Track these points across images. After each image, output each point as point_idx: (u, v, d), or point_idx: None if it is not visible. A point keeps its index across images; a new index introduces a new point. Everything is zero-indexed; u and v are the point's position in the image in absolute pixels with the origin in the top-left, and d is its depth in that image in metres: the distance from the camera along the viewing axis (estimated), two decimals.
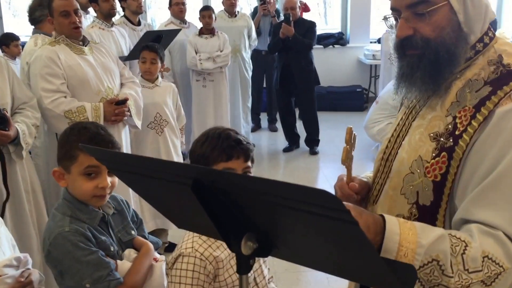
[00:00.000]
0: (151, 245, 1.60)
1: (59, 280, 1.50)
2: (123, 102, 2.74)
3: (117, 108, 2.71)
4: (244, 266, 0.91)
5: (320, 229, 0.77)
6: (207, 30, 4.91)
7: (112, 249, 1.51)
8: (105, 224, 1.55)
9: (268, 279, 1.63)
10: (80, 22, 2.68)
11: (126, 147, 2.96)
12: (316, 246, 0.85)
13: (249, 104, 5.63)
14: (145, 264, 1.54)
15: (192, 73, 4.94)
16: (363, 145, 5.16)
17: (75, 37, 2.70)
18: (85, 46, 2.76)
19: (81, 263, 1.41)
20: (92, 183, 1.47)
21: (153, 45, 3.35)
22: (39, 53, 2.65)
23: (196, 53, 4.81)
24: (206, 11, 4.89)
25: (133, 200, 2.83)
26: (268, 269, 1.65)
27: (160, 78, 3.41)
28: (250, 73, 5.58)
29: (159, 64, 3.32)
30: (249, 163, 1.46)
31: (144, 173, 0.90)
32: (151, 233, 3.24)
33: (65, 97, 2.61)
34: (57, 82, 2.59)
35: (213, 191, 0.83)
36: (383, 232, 1.00)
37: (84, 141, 1.47)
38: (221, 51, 4.88)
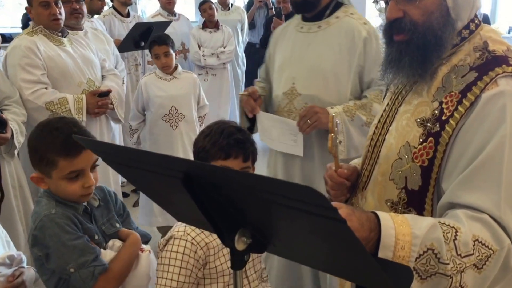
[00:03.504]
0: (138, 235, 1.56)
1: (39, 264, 1.46)
2: (106, 94, 2.69)
3: (100, 100, 2.66)
4: (238, 261, 0.90)
5: (309, 227, 0.76)
6: (211, 23, 4.85)
7: (96, 237, 1.48)
8: (89, 216, 1.51)
9: (263, 277, 1.62)
10: (60, 13, 2.61)
11: (112, 141, 2.93)
12: (309, 244, 0.83)
13: None
14: (131, 253, 1.50)
15: (194, 66, 4.90)
16: None
17: (54, 29, 2.62)
18: (64, 37, 2.69)
19: (67, 247, 1.37)
20: (77, 184, 1.42)
21: (160, 38, 3.24)
22: (17, 43, 2.55)
23: (199, 47, 4.75)
24: (205, 4, 4.83)
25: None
26: (264, 268, 1.64)
27: (179, 69, 3.29)
28: (244, 68, 5.53)
29: (173, 55, 3.21)
30: (249, 163, 1.46)
31: (138, 166, 0.88)
32: (161, 229, 3.19)
33: (46, 88, 2.54)
34: (38, 72, 2.52)
35: (204, 185, 0.81)
36: (377, 229, 0.99)
37: (58, 146, 1.40)
38: (224, 47, 4.82)
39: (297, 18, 2.18)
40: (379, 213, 1.01)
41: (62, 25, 2.66)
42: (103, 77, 2.88)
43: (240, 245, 0.85)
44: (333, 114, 1.28)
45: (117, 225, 1.57)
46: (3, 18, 6.72)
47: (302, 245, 0.85)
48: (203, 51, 4.72)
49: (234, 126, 1.49)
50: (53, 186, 1.44)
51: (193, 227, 1.42)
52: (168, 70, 3.19)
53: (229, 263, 1.44)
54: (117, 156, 0.92)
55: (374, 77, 2.01)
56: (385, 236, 0.97)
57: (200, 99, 3.36)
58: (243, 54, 5.53)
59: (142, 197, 3.34)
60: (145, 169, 0.86)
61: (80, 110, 2.57)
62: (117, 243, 1.51)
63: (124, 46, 3.95)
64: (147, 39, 3.99)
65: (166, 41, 3.16)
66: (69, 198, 1.45)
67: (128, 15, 4.55)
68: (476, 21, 1.20)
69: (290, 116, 2.08)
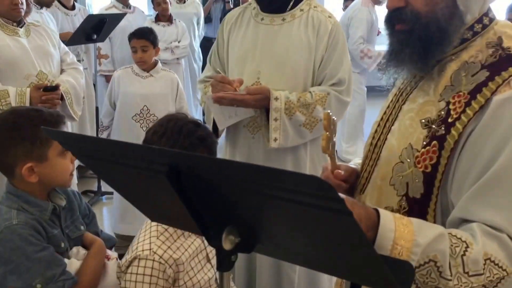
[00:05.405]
0: (102, 242, 1.48)
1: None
2: (53, 88, 2.47)
3: (44, 94, 2.44)
4: (225, 262, 0.82)
5: (309, 221, 0.69)
6: (164, 17, 4.74)
7: (62, 245, 1.38)
8: (57, 217, 1.41)
9: None
10: (22, 3, 2.44)
11: None
12: (305, 241, 0.77)
13: (199, 96, 5.45)
14: (97, 263, 1.42)
15: None
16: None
17: (13, 17, 2.47)
18: (20, 27, 2.53)
19: (32, 260, 1.26)
20: (68, 158, 1.39)
21: (140, 31, 3.07)
22: None
23: None
24: None
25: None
26: None
27: (158, 66, 3.08)
28: (200, 64, 5.40)
29: (152, 51, 3.02)
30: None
31: (113, 159, 0.79)
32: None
33: None
34: None
35: (191, 178, 0.74)
36: (376, 228, 0.92)
37: (47, 120, 1.37)
38: (178, 42, 4.71)
39: (253, 7, 2.10)
40: (381, 211, 0.94)
41: (22, 14, 2.49)
42: (62, 71, 2.70)
43: (227, 245, 0.78)
44: (329, 111, 1.19)
45: (82, 228, 1.47)
46: None
47: (296, 242, 0.78)
48: None
49: (190, 121, 1.39)
50: (47, 171, 1.36)
51: (158, 243, 1.32)
52: (143, 66, 3.03)
53: (199, 276, 1.37)
54: (90, 150, 0.82)
55: (328, 72, 2.00)
56: (382, 237, 0.90)
57: (177, 100, 3.13)
58: (199, 49, 5.40)
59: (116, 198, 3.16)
60: (123, 163, 0.77)
61: (23, 105, 2.35)
62: (81, 250, 1.42)
63: (75, 39, 3.75)
64: (100, 32, 3.82)
65: (145, 35, 3.00)
66: (61, 180, 1.40)
67: (73, 8, 4.33)
68: (490, 15, 1.10)
69: (255, 110, 2.01)
